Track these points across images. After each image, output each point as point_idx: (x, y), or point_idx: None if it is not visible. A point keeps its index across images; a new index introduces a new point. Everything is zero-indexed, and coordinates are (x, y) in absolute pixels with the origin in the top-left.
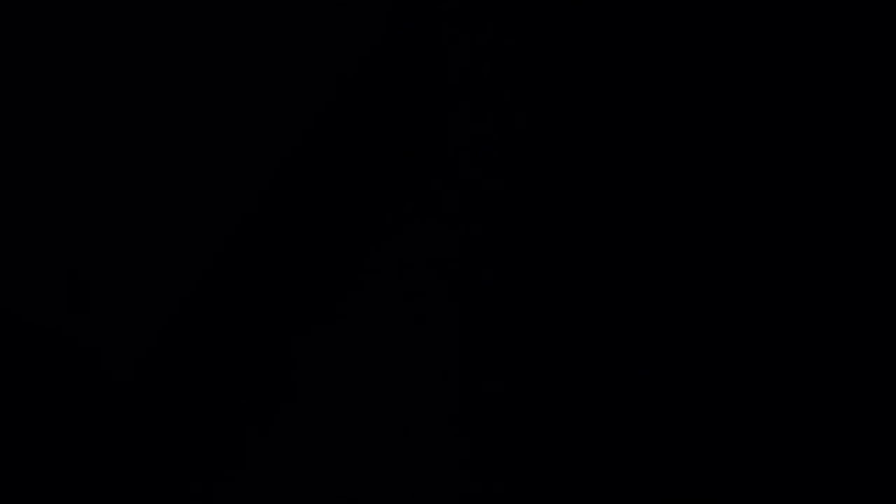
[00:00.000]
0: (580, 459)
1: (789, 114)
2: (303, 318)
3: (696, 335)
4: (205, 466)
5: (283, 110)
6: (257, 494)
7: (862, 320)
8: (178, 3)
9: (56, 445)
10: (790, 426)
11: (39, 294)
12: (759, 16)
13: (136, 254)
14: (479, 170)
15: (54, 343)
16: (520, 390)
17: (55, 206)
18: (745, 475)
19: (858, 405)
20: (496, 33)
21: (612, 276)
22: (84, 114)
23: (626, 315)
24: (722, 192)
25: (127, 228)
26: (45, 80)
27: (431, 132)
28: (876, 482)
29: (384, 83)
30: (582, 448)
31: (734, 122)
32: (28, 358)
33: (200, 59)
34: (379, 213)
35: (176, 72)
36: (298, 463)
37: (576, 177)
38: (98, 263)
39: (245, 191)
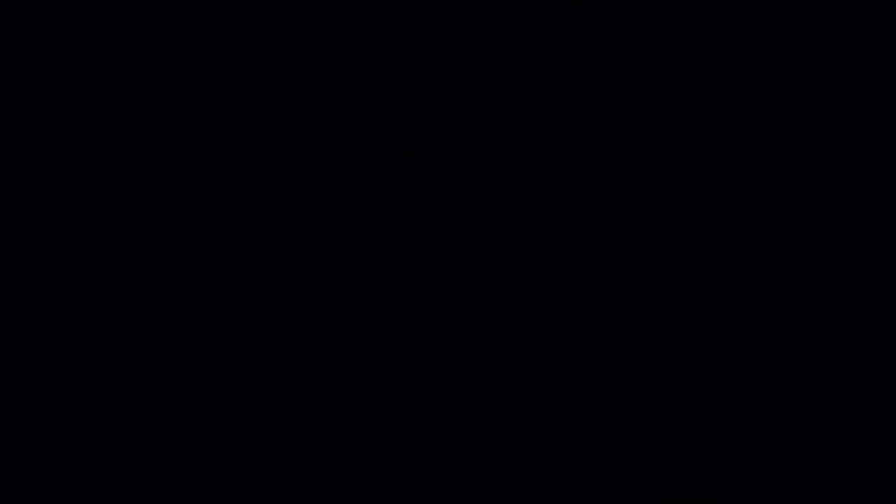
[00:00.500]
0: (580, 459)
1: (789, 114)
2: (303, 318)
3: (696, 335)
4: (205, 466)
5: (283, 110)
6: (257, 494)
7: (862, 320)
8: (178, 3)
9: (56, 445)
10: (790, 426)
11: (39, 294)
12: (759, 16)
13: (136, 254)
14: (479, 170)
15: (54, 343)
16: (520, 390)
17: (55, 206)
18: (745, 475)
19: (858, 405)
20: (496, 33)
21: (612, 276)
22: (84, 114)
23: (626, 315)
24: (722, 192)
25: (127, 229)
26: (45, 79)
27: (431, 132)
28: (876, 482)
29: (384, 83)
30: (582, 448)
31: (734, 122)
32: (28, 358)
33: (200, 59)
34: (379, 213)
35: (176, 72)
36: (298, 463)
37: (576, 177)
38: (98, 263)
39: (245, 191)
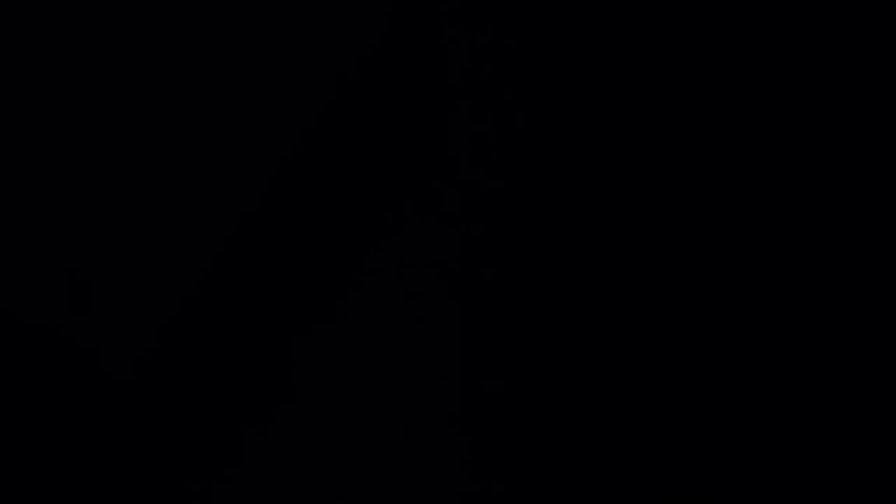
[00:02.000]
0: (580, 459)
1: (789, 114)
2: (303, 318)
3: (696, 335)
4: (205, 466)
5: (283, 110)
6: (257, 494)
7: (862, 320)
8: (178, 3)
9: (56, 445)
10: (790, 426)
11: (39, 294)
12: (759, 16)
13: (136, 254)
14: (479, 170)
15: (54, 343)
16: (520, 390)
17: (55, 206)
18: (745, 475)
19: (858, 405)
20: (496, 33)
21: (612, 276)
22: (84, 114)
23: (626, 315)
24: (722, 192)
25: (127, 228)
26: (45, 79)
27: (431, 132)
28: (876, 482)
29: (384, 83)
30: (582, 448)
31: (734, 122)
32: (28, 358)
33: (200, 59)
34: (379, 213)
35: (176, 72)
36: (298, 463)
37: (576, 177)
38: (98, 263)
39: (245, 191)
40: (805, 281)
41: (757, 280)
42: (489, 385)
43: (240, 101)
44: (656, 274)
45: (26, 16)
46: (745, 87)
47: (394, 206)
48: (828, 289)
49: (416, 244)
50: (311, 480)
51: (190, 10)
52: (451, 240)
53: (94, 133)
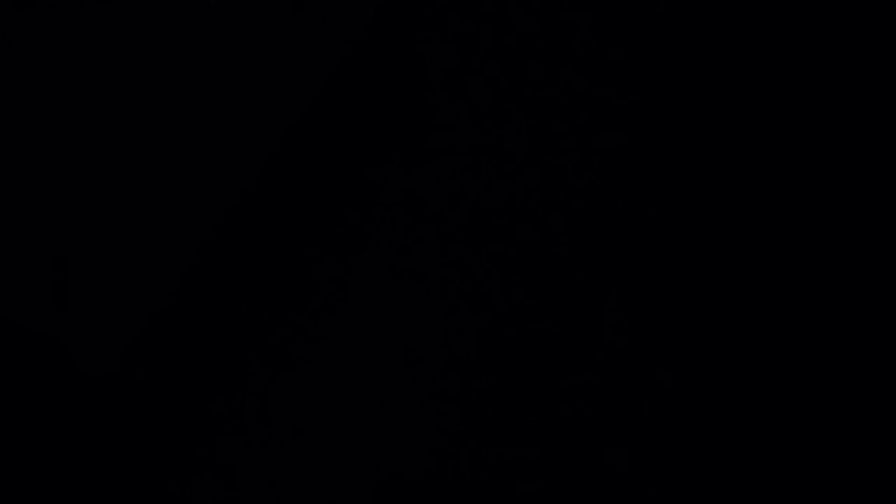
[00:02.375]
0: (579, 459)
1: (789, 114)
2: (287, 316)
3: (697, 335)
4: (184, 467)
5: (269, 103)
6: (237, 496)
7: (862, 320)
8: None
9: (32, 445)
10: (790, 426)
11: (15, 291)
12: (759, 16)
13: (115, 251)
14: (473, 168)
15: (31, 341)
16: (519, 390)
17: (33, 202)
18: (745, 475)
19: (858, 405)
20: (482, 29)
21: (611, 276)
22: (64, 107)
23: (625, 315)
24: (722, 193)
25: (108, 225)
26: (23, 74)
27: (423, 130)
28: (876, 482)
29: (373, 76)
30: (582, 448)
31: (734, 121)
32: (3, 357)
33: (184, 53)
34: (370, 210)
35: (159, 66)
36: (279, 465)
37: (575, 176)
38: (76, 260)
39: (228, 188)
40: (805, 281)
41: (757, 280)
42: (488, 384)
43: (225, 94)
44: (656, 273)
45: (5, 10)
46: (745, 87)
47: (386, 203)
48: (828, 289)
49: (411, 242)
50: (293, 484)
51: (175, 5)
52: (447, 238)
53: (75, 127)
